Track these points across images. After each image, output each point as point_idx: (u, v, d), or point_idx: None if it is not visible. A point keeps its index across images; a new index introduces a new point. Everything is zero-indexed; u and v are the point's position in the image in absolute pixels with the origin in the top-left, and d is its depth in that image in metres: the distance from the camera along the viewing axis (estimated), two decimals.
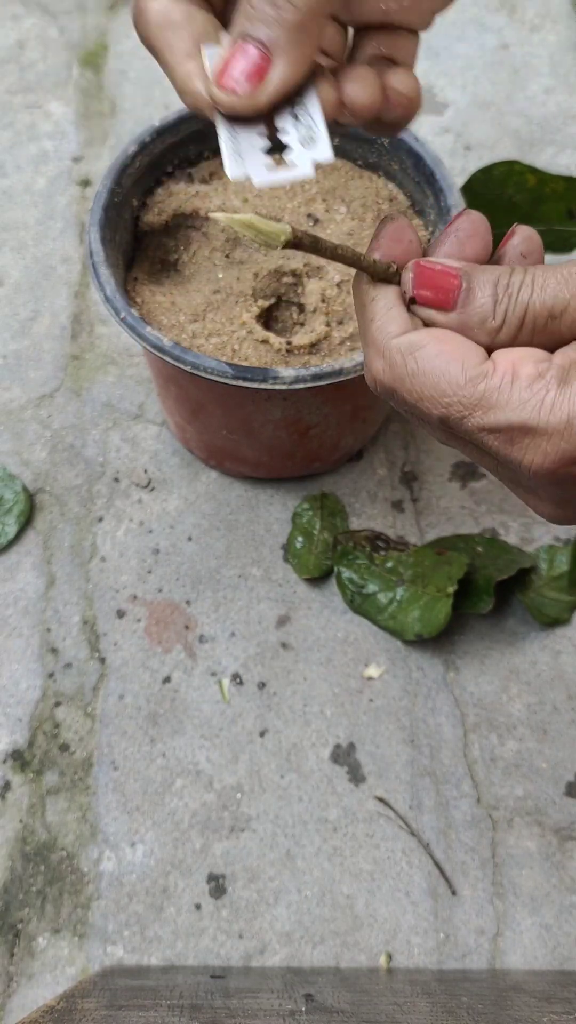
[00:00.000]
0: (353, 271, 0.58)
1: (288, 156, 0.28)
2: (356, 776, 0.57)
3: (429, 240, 0.58)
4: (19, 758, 0.57)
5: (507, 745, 0.58)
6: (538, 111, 0.85)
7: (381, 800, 0.56)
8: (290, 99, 0.29)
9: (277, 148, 0.29)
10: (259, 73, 0.28)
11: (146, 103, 0.86)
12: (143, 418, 0.69)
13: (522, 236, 0.32)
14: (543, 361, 0.28)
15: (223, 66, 0.28)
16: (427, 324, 0.30)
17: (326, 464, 0.65)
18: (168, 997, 0.43)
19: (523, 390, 0.27)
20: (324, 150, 0.28)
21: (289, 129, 0.29)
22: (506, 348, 0.29)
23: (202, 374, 0.49)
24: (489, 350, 0.29)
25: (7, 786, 0.57)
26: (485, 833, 0.55)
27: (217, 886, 0.54)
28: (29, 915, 0.54)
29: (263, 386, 0.49)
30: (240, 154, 0.28)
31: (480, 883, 0.54)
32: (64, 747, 0.58)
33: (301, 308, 0.58)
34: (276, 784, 0.57)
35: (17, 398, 0.70)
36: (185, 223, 0.59)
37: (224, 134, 0.29)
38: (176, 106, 0.84)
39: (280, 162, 0.28)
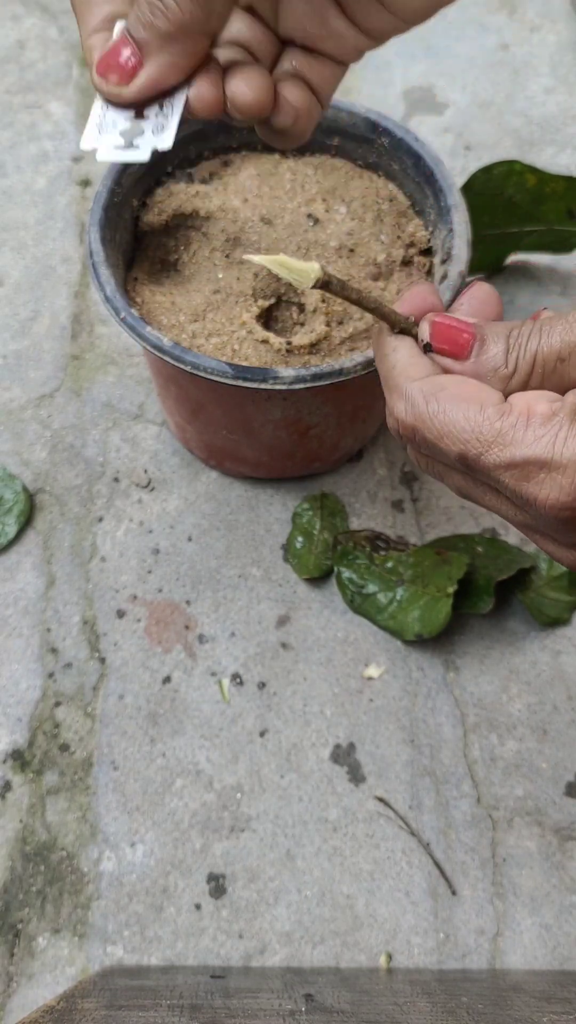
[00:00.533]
0: (353, 273, 0.59)
1: (137, 140, 0.31)
2: (356, 776, 0.57)
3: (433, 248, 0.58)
4: (19, 758, 0.57)
5: (507, 745, 0.58)
6: (538, 111, 0.85)
7: (381, 800, 0.56)
8: (162, 92, 0.31)
9: (136, 131, 0.32)
10: (131, 71, 0.30)
11: None
12: (143, 418, 0.69)
13: (477, 292, 0.35)
14: (556, 400, 0.30)
15: (103, 54, 0.31)
16: (444, 371, 0.33)
17: (326, 464, 0.65)
18: (168, 997, 0.43)
19: (538, 427, 0.29)
20: (165, 140, 0.31)
21: (150, 117, 0.32)
22: (520, 392, 0.31)
23: (202, 374, 0.49)
24: (503, 395, 0.32)
25: (7, 786, 0.57)
26: (485, 833, 0.55)
27: (217, 886, 0.54)
28: (29, 915, 0.54)
29: (263, 386, 0.49)
30: (100, 128, 0.31)
31: (480, 883, 0.54)
32: (64, 747, 0.58)
33: (301, 308, 0.58)
34: (276, 784, 0.57)
35: (17, 398, 0.70)
36: (185, 223, 0.59)
37: (97, 107, 0.32)
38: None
39: (129, 144, 0.32)
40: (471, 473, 0.32)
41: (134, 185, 0.57)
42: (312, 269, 0.31)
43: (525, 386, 0.31)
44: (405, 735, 0.58)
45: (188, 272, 0.59)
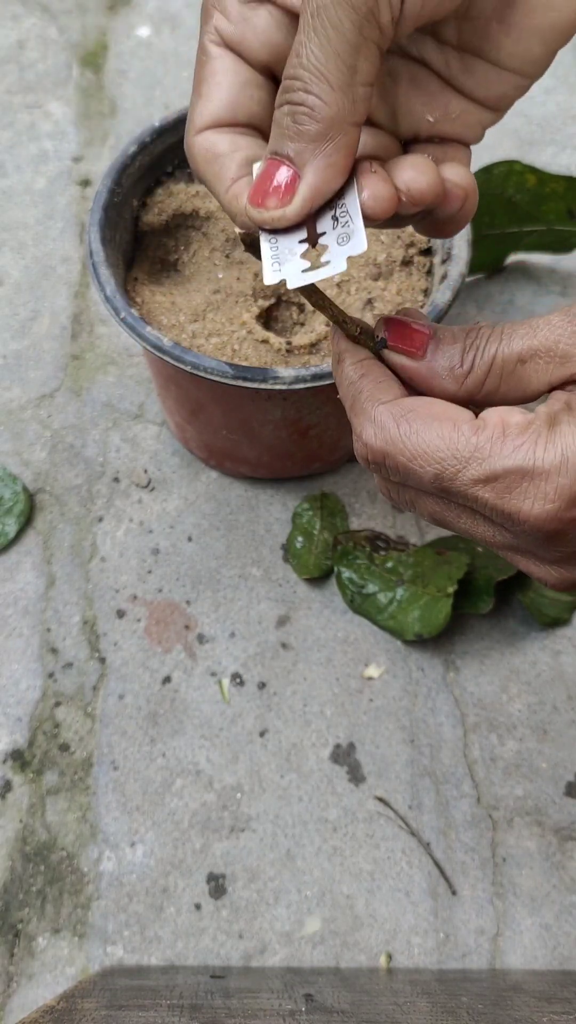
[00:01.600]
0: (353, 273, 0.59)
1: (324, 256, 0.29)
2: (356, 776, 0.57)
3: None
4: (19, 758, 0.57)
5: (507, 745, 0.58)
6: (538, 111, 0.85)
7: (381, 800, 0.56)
8: (329, 202, 0.29)
9: (319, 252, 0.30)
10: (288, 188, 0.29)
11: (146, 103, 0.86)
12: (143, 418, 0.69)
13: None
14: (528, 413, 0.29)
15: (255, 185, 0.29)
16: (398, 372, 0.32)
17: (326, 464, 0.65)
18: (168, 997, 0.43)
19: (515, 437, 0.28)
20: (358, 245, 0.29)
21: (328, 230, 0.30)
22: (490, 407, 0.30)
23: (202, 374, 0.49)
24: (461, 399, 0.31)
25: (7, 786, 0.57)
26: (485, 833, 0.55)
27: (217, 886, 0.54)
28: (29, 915, 0.54)
29: (263, 386, 0.49)
30: (279, 260, 0.29)
31: (480, 883, 0.54)
32: (64, 747, 0.58)
33: (301, 308, 0.58)
34: (276, 784, 0.57)
35: (17, 398, 0.70)
36: (185, 223, 0.59)
37: (265, 244, 0.30)
38: (176, 106, 0.84)
39: (317, 262, 0.30)
40: (446, 496, 0.31)
41: (134, 185, 0.57)
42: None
43: (481, 386, 0.31)
44: (405, 735, 0.58)
45: (188, 272, 0.59)
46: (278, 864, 0.55)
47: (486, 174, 0.67)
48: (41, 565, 0.63)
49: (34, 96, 0.86)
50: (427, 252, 0.58)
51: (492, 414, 0.29)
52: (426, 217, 0.32)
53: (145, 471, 0.67)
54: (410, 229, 0.58)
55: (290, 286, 0.29)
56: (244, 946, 0.53)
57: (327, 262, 0.29)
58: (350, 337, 0.33)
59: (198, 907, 0.54)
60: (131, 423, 0.69)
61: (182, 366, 0.49)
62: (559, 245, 0.70)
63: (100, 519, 0.65)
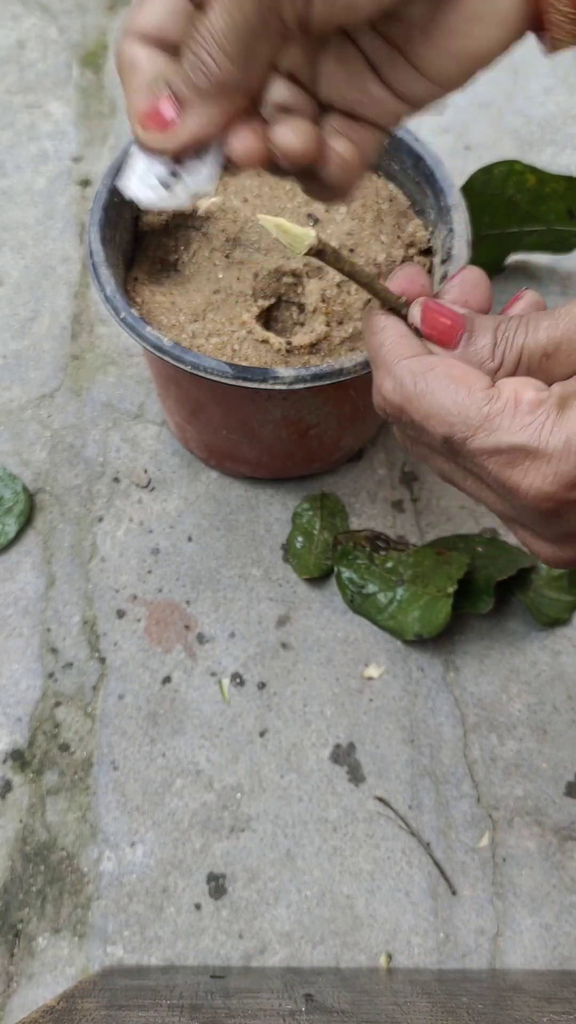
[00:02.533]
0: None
1: (175, 187, 0.33)
2: (356, 776, 0.57)
3: (432, 252, 0.58)
4: (19, 758, 0.57)
5: (507, 745, 0.58)
6: (538, 111, 0.85)
7: (381, 800, 0.56)
8: (200, 145, 0.33)
9: (174, 179, 0.33)
10: (171, 124, 0.31)
11: None
12: (143, 418, 0.69)
13: (528, 301, 0.35)
14: (543, 389, 0.30)
15: (146, 108, 0.31)
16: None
17: (326, 464, 0.65)
18: (168, 997, 0.43)
19: (525, 414, 0.29)
20: (202, 184, 0.33)
21: (188, 164, 0.33)
22: (508, 377, 0.31)
23: (202, 374, 0.49)
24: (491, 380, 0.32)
25: (7, 786, 0.57)
26: (485, 833, 0.55)
27: (217, 886, 0.54)
28: (29, 915, 0.54)
29: (263, 386, 0.49)
30: (140, 176, 0.33)
31: (480, 883, 0.54)
32: (64, 747, 0.58)
33: (301, 308, 0.58)
34: (276, 784, 0.57)
35: (17, 398, 0.70)
36: (185, 223, 0.59)
37: (140, 158, 0.33)
38: None
39: (168, 189, 0.34)
40: (455, 458, 0.32)
41: None
42: (307, 235, 0.32)
43: (510, 376, 0.32)
44: (405, 735, 0.58)
45: (188, 272, 0.59)
46: (278, 864, 0.55)
47: (486, 174, 0.67)
48: (41, 565, 0.63)
49: (34, 96, 0.86)
50: (427, 252, 0.58)
51: (507, 385, 0.30)
52: (309, 179, 0.35)
53: (145, 471, 0.67)
54: (410, 229, 0.58)
55: (142, 206, 0.33)
56: (244, 946, 0.53)
57: (174, 193, 0.33)
58: (385, 306, 0.34)
59: (198, 907, 0.54)
60: (131, 423, 0.69)
61: (182, 366, 0.49)
62: (559, 245, 0.70)
63: (100, 519, 0.65)
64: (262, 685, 0.59)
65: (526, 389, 0.30)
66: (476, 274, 0.35)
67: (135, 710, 0.59)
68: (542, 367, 0.31)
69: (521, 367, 0.31)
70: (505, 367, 0.31)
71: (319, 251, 0.33)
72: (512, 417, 0.29)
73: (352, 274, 0.34)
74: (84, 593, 0.62)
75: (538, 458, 0.29)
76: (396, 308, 0.34)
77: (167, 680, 0.60)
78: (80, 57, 0.89)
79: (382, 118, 0.35)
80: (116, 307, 0.51)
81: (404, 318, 0.34)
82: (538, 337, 0.31)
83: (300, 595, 0.62)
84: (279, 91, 0.33)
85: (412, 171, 0.58)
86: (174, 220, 0.59)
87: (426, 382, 0.31)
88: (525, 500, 0.30)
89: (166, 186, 0.33)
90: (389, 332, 0.33)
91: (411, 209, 0.60)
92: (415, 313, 0.33)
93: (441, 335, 0.32)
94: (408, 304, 0.34)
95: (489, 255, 0.71)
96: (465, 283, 0.35)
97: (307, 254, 0.33)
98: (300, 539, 0.63)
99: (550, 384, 0.31)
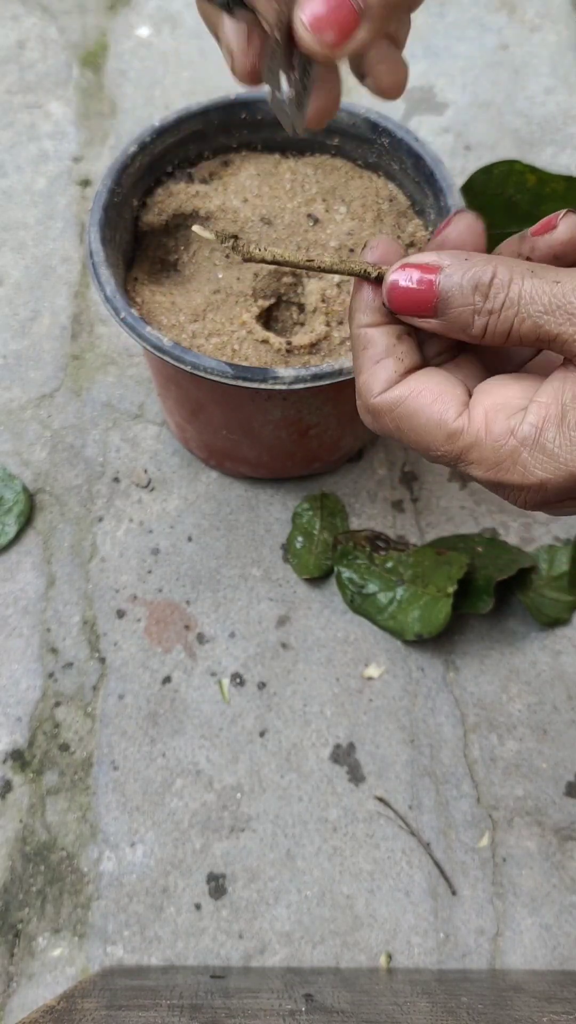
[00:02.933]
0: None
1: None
2: (356, 776, 0.57)
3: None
4: (19, 758, 0.57)
5: (507, 745, 0.58)
6: (538, 111, 0.85)
7: (381, 800, 0.56)
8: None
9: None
10: (348, 31, 0.30)
11: (146, 103, 0.86)
12: (143, 418, 0.69)
13: (463, 225, 0.32)
14: (516, 414, 0.29)
15: (323, 9, 0.30)
16: (395, 334, 0.31)
17: (326, 464, 0.65)
18: (168, 997, 0.43)
19: (498, 450, 0.29)
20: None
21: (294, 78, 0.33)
22: (488, 387, 0.30)
23: (202, 374, 0.49)
24: (483, 344, 0.30)
25: (7, 786, 0.57)
26: (485, 833, 0.55)
27: (217, 886, 0.54)
28: (29, 915, 0.54)
29: (263, 386, 0.49)
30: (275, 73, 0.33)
31: (480, 883, 0.54)
32: (64, 747, 0.58)
33: (301, 308, 0.58)
34: (276, 784, 0.57)
35: (17, 398, 0.70)
36: (185, 223, 0.59)
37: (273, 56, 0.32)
38: (176, 106, 0.84)
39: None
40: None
41: (134, 185, 0.57)
42: (209, 236, 0.32)
43: (504, 344, 0.30)
44: (405, 735, 0.58)
45: (188, 272, 0.59)
46: (278, 864, 0.55)
47: (486, 174, 0.66)
48: (41, 565, 0.63)
49: (34, 96, 0.86)
50: None
51: (478, 410, 0.29)
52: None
53: (145, 471, 0.67)
54: (410, 229, 0.58)
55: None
56: (244, 946, 0.53)
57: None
58: (367, 279, 0.32)
59: (198, 907, 0.54)
60: (131, 423, 0.69)
61: (182, 366, 0.49)
62: None
63: (100, 519, 0.65)
64: (262, 685, 0.59)
65: (496, 417, 0.29)
66: (468, 220, 0.32)
67: (135, 710, 0.59)
68: (538, 345, 0.29)
69: (512, 340, 0.29)
70: (494, 337, 0.29)
71: (233, 247, 0.32)
72: (483, 451, 0.29)
73: (293, 263, 0.32)
74: (84, 593, 0.62)
75: (516, 489, 0.29)
76: (374, 279, 0.32)
77: (167, 680, 0.60)
78: (80, 57, 0.89)
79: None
80: (116, 307, 0.51)
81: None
82: (529, 324, 0.28)
83: (300, 595, 0.62)
84: None
85: (412, 171, 0.58)
86: (174, 220, 0.59)
87: (397, 420, 0.31)
88: (524, 507, 0.30)
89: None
90: (366, 356, 0.32)
91: (411, 209, 0.60)
92: (385, 288, 0.31)
93: (413, 310, 0.30)
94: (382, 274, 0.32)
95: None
96: (458, 230, 0.32)
97: (230, 248, 0.32)
98: (300, 539, 0.63)
99: (543, 339, 0.29)
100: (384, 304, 0.31)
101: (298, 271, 0.57)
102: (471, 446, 0.29)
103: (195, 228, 0.33)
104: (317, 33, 0.30)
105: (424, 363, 0.32)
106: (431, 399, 0.30)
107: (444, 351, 0.33)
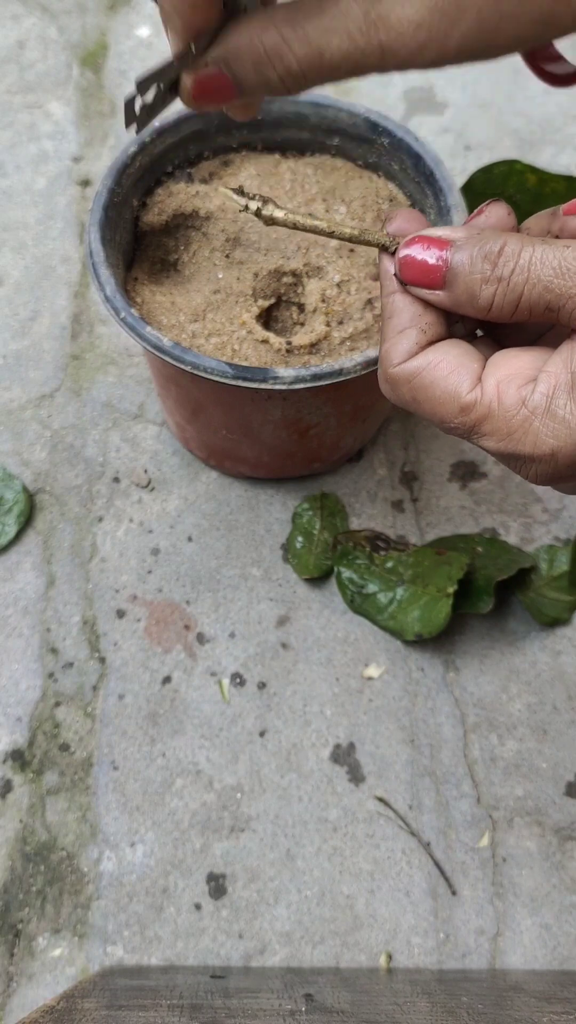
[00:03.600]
0: (353, 273, 0.58)
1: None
2: (356, 776, 0.57)
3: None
4: (19, 758, 0.57)
5: (507, 745, 0.58)
6: (538, 111, 0.85)
7: (381, 800, 0.56)
8: None
9: None
10: (222, 102, 0.32)
11: None
12: (143, 418, 0.69)
13: (495, 216, 0.32)
14: (526, 384, 0.29)
15: (203, 80, 0.32)
16: (422, 304, 0.32)
17: (326, 464, 0.65)
18: (168, 997, 0.43)
19: (509, 420, 0.29)
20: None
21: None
22: (499, 359, 0.30)
23: (202, 374, 0.49)
24: (491, 320, 0.30)
25: (7, 786, 0.57)
26: (485, 833, 0.55)
27: (217, 886, 0.54)
28: (29, 915, 0.54)
29: (263, 386, 0.49)
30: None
31: (480, 883, 0.54)
32: (64, 747, 0.58)
33: (301, 308, 0.58)
34: (276, 784, 0.57)
35: (17, 398, 0.70)
36: (185, 223, 0.59)
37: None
38: (176, 107, 0.84)
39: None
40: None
41: (134, 185, 0.57)
42: (239, 204, 0.34)
43: (511, 318, 0.30)
44: (405, 735, 0.58)
45: (188, 272, 0.59)
46: (278, 864, 0.55)
47: (486, 174, 0.66)
48: (41, 565, 0.63)
49: (34, 96, 0.86)
50: None
51: (490, 382, 0.30)
52: None
53: (145, 471, 0.67)
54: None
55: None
56: (244, 946, 0.53)
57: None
58: (383, 250, 0.33)
59: (198, 907, 0.54)
60: (131, 423, 0.69)
61: (182, 366, 0.49)
62: None
63: (100, 519, 0.65)
64: (262, 685, 0.59)
65: (508, 388, 0.29)
66: (500, 213, 0.32)
67: (135, 710, 0.59)
68: (546, 316, 0.29)
69: (521, 311, 0.29)
70: (501, 309, 0.29)
71: (258, 212, 0.34)
72: (496, 423, 0.29)
73: (316, 229, 0.33)
74: (84, 593, 0.62)
75: (529, 460, 0.29)
76: (392, 252, 0.33)
77: (167, 680, 0.60)
78: (80, 57, 0.89)
79: None
80: (116, 307, 0.51)
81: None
82: (539, 290, 0.28)
83: (300, 595, 0.62)
84: None
85: (412, 171, 0.58)
86: (174, 220, 0.59)
87: (412, 391, 0.31)
88: (536, 482, 0.31)
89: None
90: (390, 326, 0.32)
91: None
92: (396, 261, 0.32)
93: (423, 281, 0.31)
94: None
95: None
96: (489, 221, 0.32)
97: (256, 210, 0.33)
98: (300, 539, 0.63)
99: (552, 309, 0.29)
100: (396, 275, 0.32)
101: (298, 271, 0.57)
102: (484, 417, 0.30)
103: (221, 189, 0.34)
104: (195, 101, 0.32)
105: (448, 335, 0.33)
106: (447, 371, 0.31)
107: (469, 330, 0.33)
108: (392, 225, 0.33)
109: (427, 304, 0.32)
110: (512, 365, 0.30)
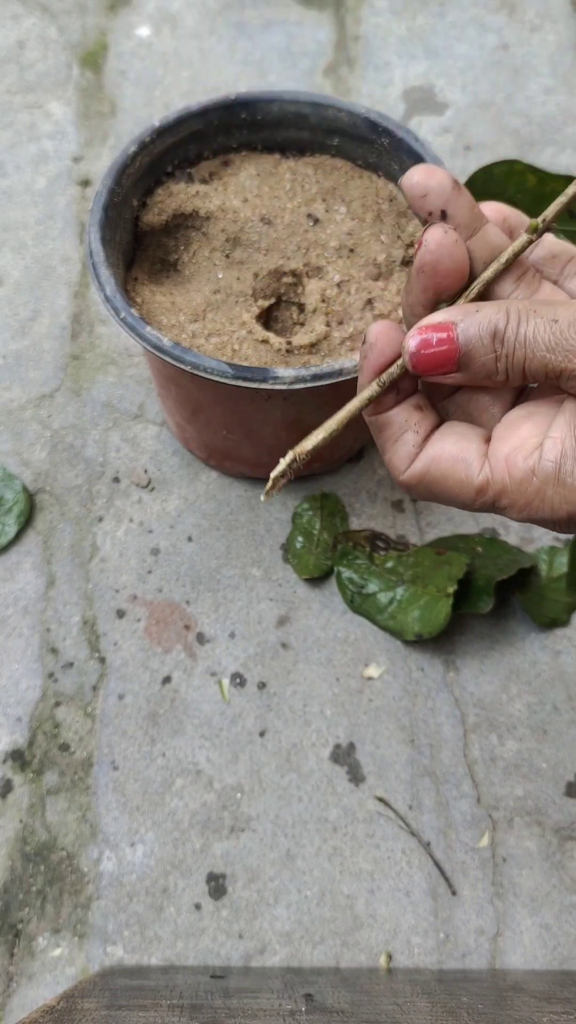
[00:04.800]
0: (353, 273, 0.59)
1: None
2: (356, 776, 0.57)
3: None
4: (19, 758, 0.57)
5: (507, 745, 0.58)
6: (538, 111, 0.85)
7: (381, 800, 0.56)
8: None
9: None
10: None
11: (146, 103, 0.86)
12: (143, 418, 0.69)
13: (432, 243, 0.32)
14: (533, 452, 0.30)
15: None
16: (436, 387, 0.33)
17: (326, 464, 0.65)
18: (168, 997, 0.43)
19: (524, 492, 0.30)
20: None
21: None
22: (503, 431, 0.31)
23: (202, 374, 0.49)
24: (506, 387, 0.32)
25: (7, 786, 0.57)
26: (485, 833, 0.55)
27: (217, 886, 0.54)
28: (29, 915, 0.54)
29: (263, 386, 0.49)
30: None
31: (480, 883, 0.54)
32: (64, 747, 0.58)
33: (301, 308, 0.58)
34: (276, 784, 0.57)
35: (17, 398, 0.70)
36: (185, 223, 0.59)
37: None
38: (176, 106, 0.84)
39: None
40: None
41: (134, 185, 0.57)
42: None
43: (523, 382, 0.31)
44: (405, 735, 0.58)
45: (188, 272, 0.59)
46: (278, 864, 0.55)
47: (486, 174, 0.66)
48: (41, 565, 0.63)
49: (34, 96, 0.86)
50: None
51: (497, 457, 0.31)
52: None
53: (145, 471, 0.67)
54: (410, 229, 0.58)
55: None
56: (244, 946, 0.53)
57: None
58: (387, 390, 0.33)
59: (198, 907, 0.54)
60: (131, 423, 0.69)
61: (182, 366, 0.49)
62: None
63: (100, 519, 0.65)
64: (262, 685, 0.59)
65: (515, 461, 0.30)
66: (437, 238, 0.31)
67: (135, 710, 0.59)
68: (549, 382, 0.30)
69: (528, 377, 0.30)
70: (513, 379, 0.30)
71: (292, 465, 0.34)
72: (512, 497, 0.30)
73: (332, 429, 0.35)
74: (84, 593, 0.62)
75: (555, 524, 0.30)
76: (393, 384, 0.33)
77: (167, 680, 0.60)
78: (80, 57, 0.89)
79: None
80: (116, 307, 0.51)
81: (393, 387, 0.33)
82: (536, 362, 0.29)
83: (300, 595, 0.62)
84: None
85: None
86: (174, 220, 0.59)
87: (428, 488, 0.32)
88: (567, 533, 0.31)
89: None
90: (385, 436, 0.34)
91: (410, 209, 0.60)
92: (406, 360, 0.32)
93: (438, 369, 0.31)
94: (397, 378, 0.33)
95: None
96: (432, 256, 0.31)
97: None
98: (300, 539, 0.63)
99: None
100: (407, 369, 0.32)
101: (298, 271, 0.57)
102: (500, 494, 0.30)
103: None
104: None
105: (440, 420, 0.33)
106: (451, 463, 0.32)
107: (451, 391, 0.34)
108: (375, 350, 0.33)
109: (410, 408, 0.33)
110: (516, 436, 0.31)
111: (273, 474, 0.33)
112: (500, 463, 0.30)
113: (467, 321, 0.30)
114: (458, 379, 0.31)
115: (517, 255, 0.32)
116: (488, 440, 0.32)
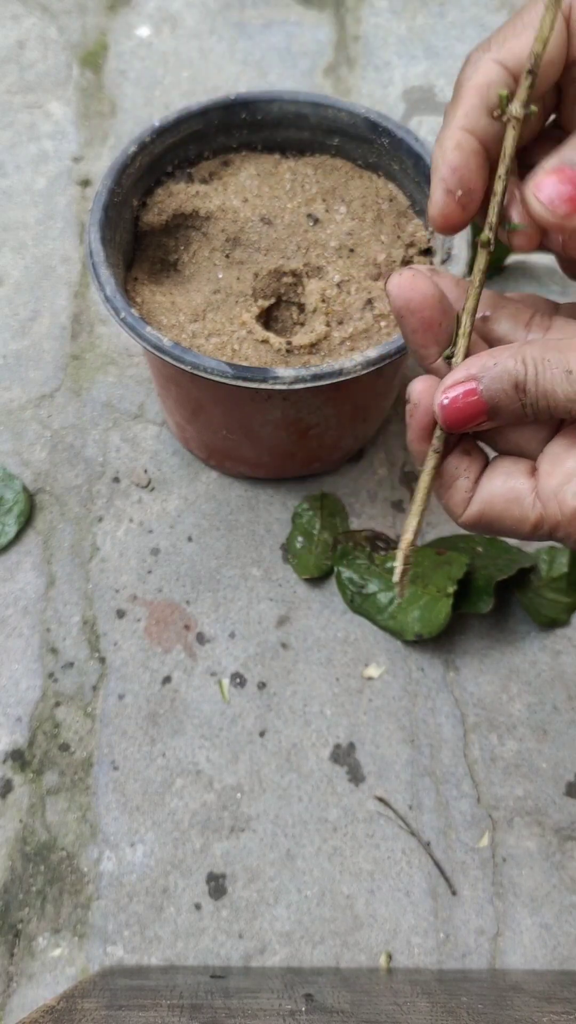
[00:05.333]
0: (353, 273, 0.58)
1: None
2: (356, 776, 0.57)
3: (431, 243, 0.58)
4: (19, 758, 0.57)
5: (507, 745, 0.58)
6: None
7: (381, 800, 0.56)
8: None
9: None
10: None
11: (146, 103, 0.86)
12: (143, 418, 0.69)
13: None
14: None
15: (553, 190, 0.31)
16: (454, 457, 0.34)
17: (326, 464, 0.65)
18: (168, 997, 0.43)
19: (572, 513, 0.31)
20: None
21: None
22: (548, 467, 0.32)
23: (202, 374, 0.49)
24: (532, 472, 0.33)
25: (7, 786, 0.57)
26: (485, 833, 0.55)
27: (217, 886, 0.54)
28: (29, 915, 0.54)
29: (263, 386, 0.49)
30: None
31: (480, 883, 0.54)
32: (64, 747, 0.58)
33: (301, 308, 0.58)
34: (276, 784, 0.57)
35: (17, 398, 0.70)
36: (185, 223, 0.59)
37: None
38: (176, 106, 0.84)
39: None
40: None
41: (134, 185, 0.57)
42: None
43: (550, 420, 0.32)
44: (405, 735, 0.58)
45: (188, 272, 0.59)
46: (278, 864, 0.55)
47: None
48: (41, 565, 0.63)
49: (34, 96, 0.86)
50: (427, 252, 0.58)
51: (547, 490, 0.32)
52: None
53: (145, 471, 0.67)
54: (410, 229, 0.58)
55: None
56: (244, 946, 0.53)
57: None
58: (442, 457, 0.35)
59: (198, 907, 0.54)
60: (131, 423, 0.69)
61: (182, 366, 0.49)
62: None
63: (100, 519, 0.65)
64: (262, 685, 0.59)
65: (565, 493, 0.31)
66: (402, 283, 0.33)
67: (135, 710, 0.59)
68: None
69: (555, 418, 0.32)
70: (541, 418, 0.32)
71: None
72: (568, 528, 0.31)
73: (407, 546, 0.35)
74: (84, 593, 0.62)
75: None
76: (440, 449, 0.34)
77: (167, 680, 0.60)
78: (80, 57, 0.89)
79: None
80: (116, 307, 0.51)
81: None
82: (558, 410, 0.31)
83: (300, 595, 0.62)
84: None
85: (412, 171, 0.58)
86: (174, 220, 0.59)
87: (488, 524, 0.33)
88: None
89: None
90: (438, 486, 0.35)
91: (411, 209, 0.60)
92: (440, 420, 0.33)
93: (471, 423, 0.32)
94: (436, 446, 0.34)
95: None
96: (404, 301, 0.33)
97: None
98: (300, 539, 0.63)
99: None
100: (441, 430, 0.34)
101: (298, 271, 0.57)
102: (555, 528, 0.32)
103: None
104: (550, 207, 0.31)
105: (486, 460, 0.35)
106: (504, 504, 0.33)
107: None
108: (418, 405, 0.34)
109: (458, 455, 0.34)
110: (561, 472, 0.32)
111: (396, 577, 0.34)
112: (551, 500, 0.32)
113: (487, 377, 0.31)
114: (493, 424, 0.33)
115: (484, 272, 0.33)
116: (534, 472, 0.33)
